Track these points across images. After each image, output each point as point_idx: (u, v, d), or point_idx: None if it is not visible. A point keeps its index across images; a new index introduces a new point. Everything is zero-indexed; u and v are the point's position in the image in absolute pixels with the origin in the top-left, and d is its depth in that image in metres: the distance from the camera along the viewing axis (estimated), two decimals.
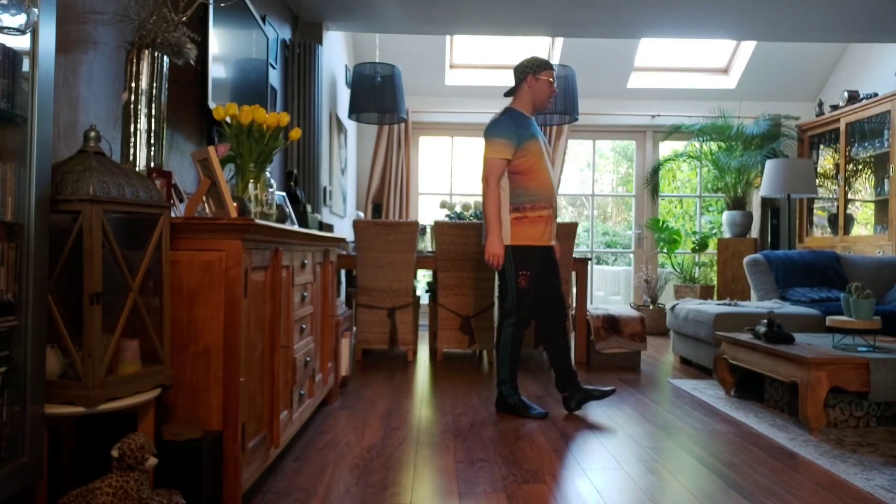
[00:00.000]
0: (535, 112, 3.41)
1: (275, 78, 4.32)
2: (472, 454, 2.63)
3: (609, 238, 8.63)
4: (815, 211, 6.80)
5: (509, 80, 6.78)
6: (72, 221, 1.59)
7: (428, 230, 5.55)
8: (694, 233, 7.41)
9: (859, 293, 3.22)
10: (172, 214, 2.10)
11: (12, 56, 1.38)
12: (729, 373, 3.77)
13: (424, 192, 7.28)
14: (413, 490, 2.23)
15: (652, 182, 7.25)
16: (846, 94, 6.18)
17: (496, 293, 5.12)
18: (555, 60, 6.72)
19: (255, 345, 2.09)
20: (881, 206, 5.87)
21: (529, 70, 3.35)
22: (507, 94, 3.47)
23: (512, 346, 3.32)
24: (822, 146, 6.68)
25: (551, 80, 3.36)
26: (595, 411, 3.38)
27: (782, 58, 6.67)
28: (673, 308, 4.91)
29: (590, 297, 7.75)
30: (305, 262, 2.73)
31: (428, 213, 7.21)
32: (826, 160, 6.62)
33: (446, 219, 5.28)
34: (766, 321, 3.50)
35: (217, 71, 3.04)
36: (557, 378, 3.40)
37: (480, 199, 7.06)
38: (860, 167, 6.15)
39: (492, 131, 3.29)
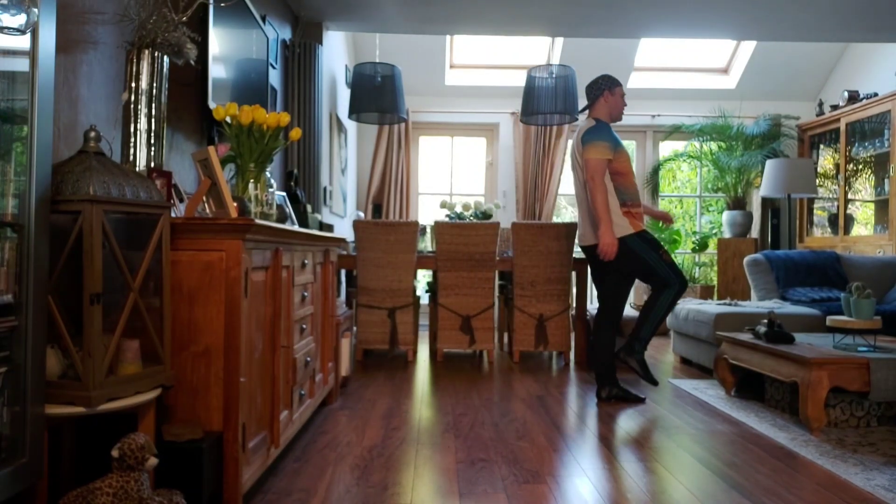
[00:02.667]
0: (612, 122, 3.73)
1: (275, 78, 4.32)
2: (473, 454, 2.63)
3: None
4: (815, 211, 6.80)
5: (509, 80, 6.87)
6: (72, 221, 1.58)
7: (428, 230, 5.55)
8: (694, 233, 7.40)
9: (860, 293, 3.22)
10: (172, 214, 2.10)
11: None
12: (729, 373, 3.77)
13: (424, 192, 7.27)
14: (413, 490, 2.23)
15: (652, 182, 7.25)
16: (846, 93, 6.18)
17: (496, 293, 5.13)
18: (555, 60, 6.73)
19: (256, 345, 2.09)
20: (881, 206, 5.87)
21: (605, 86, 3.69)
22: (582, 111, 3.85)
23: (666, 311, 3.59)
24: (822, 146, 6.68)
25: (623, 93, 3.73)
26: (595, 411, 3.38)
27: (782, 58, 6.67)
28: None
29: (590, 297, 7.74)
30: (306, 262, 2.73)
31: (428, 213, 7.21)
32: (826, 160, 6.62)
33: (446, 219, 5.28)
34: (766, 321, 3.49)
35: (217, 71, 3.04)
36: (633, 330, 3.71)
37: (481, 199, 7.08)
38: (860, 167, 6.15)
39: (593, 135, 3.55)
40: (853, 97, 6.13)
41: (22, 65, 1.41)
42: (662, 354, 5.33)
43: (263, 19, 3.93)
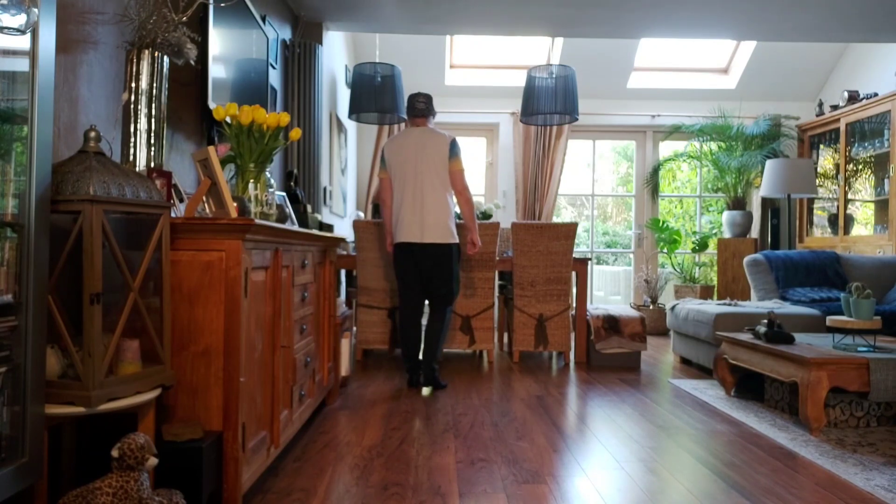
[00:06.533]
0: None
1: (275, 78, 4.32)
2: (473, 454, 2.63)
3: (609, 238, 8.63)
4: (815, 211, 6.80)
5: (509, 80, 6.87)
6: (72, 221, 1.58)
7: None
8: (694, 233, 7.41)
9: (859, 293, 3.22)
10: (172, 214, 2.11)
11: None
12: (729, 373, 3.77)
13: None
14: (413, 490, 2.23)
15: (652, 182, 7.25)
16: (846, 94, 6.18)
17: (496, 293, 5.13)
18: (555, 60, 6.73)
19: (256, 345, 2.09)
20: (881, 206, 5.87)
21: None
22: (427, 115, 4.02)
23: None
24: (822, 146, 6.69)
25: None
26: (595, 411, 3.38)
27: (782, 58, 6.67)
28: (673, 308, 4.91)
29: (590, 297, 7.75)
30: (305, 262, 2.73)
31: None
32: (826, 160, 6.62)
33: None
34: (766, 321, 3.50)
35: (217, 71, 3.04)
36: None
37: (481, 199, 7.08)
38: (860, 167, 6.15)
39: (458, 149, 4.02)
40: (853, 97, 6.13)
41: (22, 65, 1.41)
42: (662, 354, 5.33)
43: (263, 19, 3.93)
